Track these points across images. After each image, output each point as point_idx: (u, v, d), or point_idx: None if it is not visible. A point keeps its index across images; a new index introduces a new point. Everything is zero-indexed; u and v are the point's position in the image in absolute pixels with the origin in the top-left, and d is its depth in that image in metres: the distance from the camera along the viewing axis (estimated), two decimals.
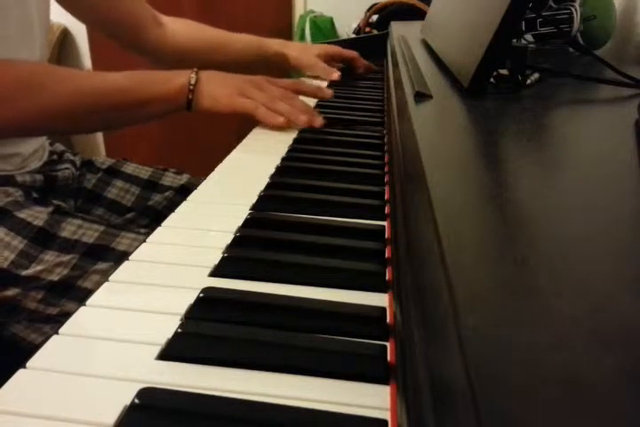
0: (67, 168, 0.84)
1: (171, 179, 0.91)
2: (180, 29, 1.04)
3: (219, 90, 0.74)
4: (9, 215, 0.66)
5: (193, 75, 0.72)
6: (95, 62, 2.39)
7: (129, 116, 0.72)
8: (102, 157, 0.93)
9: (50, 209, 0.69)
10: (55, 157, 0.86)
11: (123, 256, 0.45)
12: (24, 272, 0.63)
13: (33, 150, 0.79)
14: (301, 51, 1.10)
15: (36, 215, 0.67)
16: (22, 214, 0.67)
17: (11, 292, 0.63)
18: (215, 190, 0.58)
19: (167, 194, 0.87)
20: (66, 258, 0.65)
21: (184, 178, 0.91)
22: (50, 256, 0.65)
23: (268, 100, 0.75)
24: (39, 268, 0.64)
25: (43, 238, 0.66)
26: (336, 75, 1.05)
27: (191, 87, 0.71)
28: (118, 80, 0.71)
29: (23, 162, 0.77)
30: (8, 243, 0.64)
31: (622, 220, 0.30)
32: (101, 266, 0.64)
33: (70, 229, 0.67)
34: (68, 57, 2.44)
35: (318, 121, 0.78)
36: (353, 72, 1.17)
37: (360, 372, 0.31)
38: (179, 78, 0.72)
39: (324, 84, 1.08)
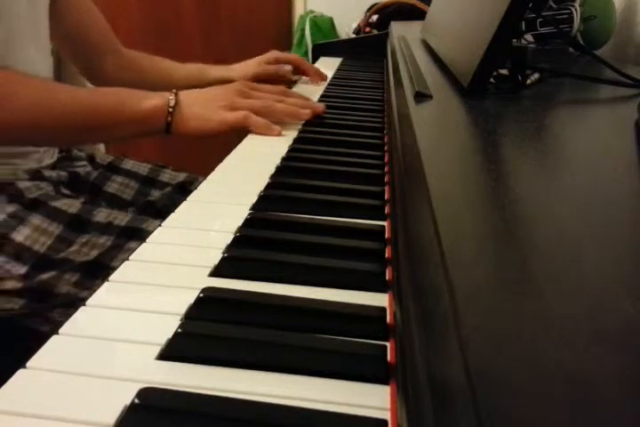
0: (85, 165, 0.87)
1: (169, 175, 0.92)
2: (137, 62, 1.02)
3: (205, 109, 0.70)
4: (44, 205, 0.69)
5: (172, 97, 0.69)
6: None
7: (95, 136, 0.71)
8: (102, 154, 0.94)
9: (81, 200, 0.72)
10: (64, 153, 0.88)
11: None
12: (60, 255, 0.66)
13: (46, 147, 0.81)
14: (242, 66, 1.05)
15: (70, 204, 0.70)
16: (57, 204, 0.69)
17: (47, 275, 0.65)
18: (215, 190, 0.58)
19: (166, 191, 0.88)
20: (101, 239, 0.67)
21: (182, 176, 0.92)
22: (86, 239, 0.67)
23: (261, 106, 0.73)
24: (75, 250, 0.66)
25: (78, 224, 0.68)
26: (288, 68, 1.07)
27: (170, 110, 0.68)
28: (91, 98, 0.68)
29: (40, 157, 0.79)
30: (45, 229, 0.66)
31: (622, 220, 0.30)
32: (135, 244, 0.66)
33: (102, 215, 0.70)
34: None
35: (320, 108, 0.79)
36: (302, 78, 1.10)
37: (360, 372, 0.31)
38: (152, 100, 0.68)
39: (323, 84, 1.07)
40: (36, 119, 0.65)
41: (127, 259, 0.41)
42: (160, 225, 0.49)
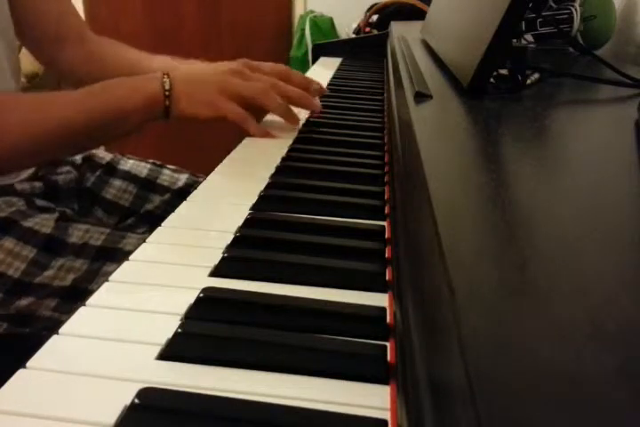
0: (68, 171, 0.83)
1: (168, 177, 0.89)
2: (104, 50, 0.95)
3: (201, 93, 0.67)
4: (16, 225, 0.66)
5: (166, 79, 0.66)
6: None
7: (103, 138, 0.69)
8: (101, 152, 0.92)
9: (55, 216, 0.68)
10: None
11: None
12: (36, 280, 0.63)
13: None
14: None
15: (43, 223, 0.66)
16: (29, 223, 0.66)
17: (25, 301, 0.63)
18: (215, 190, 0.58)
19: (166, 198, 0.87)
20: (77, 263, 0.65)
21: (182, 178, 0.90)
22: (60, 263, 0.64)
23: (258, 92, 0.69)
24: (51, 275, 0.64)
25: (52, 246, 0.65)
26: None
27: (167, 93, 0.65)
28: (82, 106, 0.65)
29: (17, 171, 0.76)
30: (18, 253, 0.64)
31: (622, 220, 0.30)
32: (111, 267, 0.64)
33: (77, 234, 0.67)
34: None
35: (316, 106, 0.76)
36: None
37: (360, 372, 0.31)
38: (150, 85, 0.66)
39: (326, 76, 1.07)
40: (32, 142, 0.62)
41: (106, 280, 0.41)
42: (149, 232, 0.49)
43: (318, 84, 0.79)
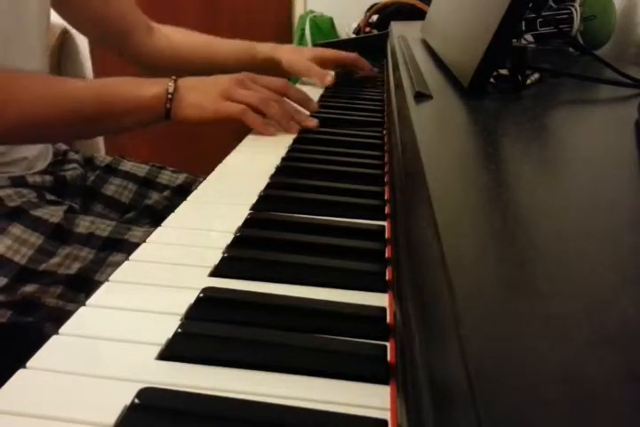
0: (75, 168, 0.85)
1: (167, 177, 0.91)
2: (172, 36, 1.02)
3: (202, 97, 0.70)
4: (25, 214, 0.68)
5: (171, 83, 0.69)
6: (95, 64, 2.39)
7: (100, 127, 0.71)
8: (101, 155, 0.93)
9: (64, 208, 0.70)
10: (60, 157, 0.87)
11: (137, 248, 0.46)
12: (42, 267, 0.64)
13: (38, 153, 0.80)
14: (293, 54, 1.03)
15: (52, 213, 0.69)
16: (38, 213, 0.68)
17: (30, 288, 0.64)
18: (215, 190, 0.58)
19: (165, 193, 0.88)
20: (83, 252, 0.66)
21: (181, 177, 0.91)
22: (67, 251, 0.66)
23: (258, 101, 0.72)
24: (57, 262, 0.65)
25: (59, 234, 0.67)
26: (329, 79, 1.00)
27: (169, 96, 0.68)
28: (91, 91, 0.68)
29: (30, 164, 0.79)
30: (25, 240, 0.65)
31: (622, 220, 0.30)
32: (117, 257, 0.65)
33: (84, 224, 0.68)
34: (67, 58, 2.43)
35: (312, 123, 0.77)
36: (354, 74, 1.13)
37: (360, 372, 0.31)
38: (154, 87, 0.69)
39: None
40: (39, 117, 0.65)
41: (110, 275, 0.41)
42: (158, 226, 0.49)
43: (309, 119, 0.79)
